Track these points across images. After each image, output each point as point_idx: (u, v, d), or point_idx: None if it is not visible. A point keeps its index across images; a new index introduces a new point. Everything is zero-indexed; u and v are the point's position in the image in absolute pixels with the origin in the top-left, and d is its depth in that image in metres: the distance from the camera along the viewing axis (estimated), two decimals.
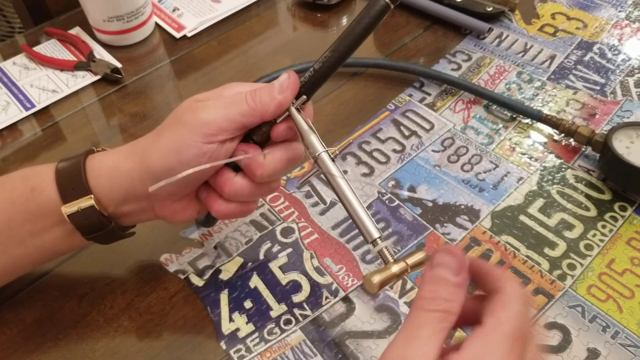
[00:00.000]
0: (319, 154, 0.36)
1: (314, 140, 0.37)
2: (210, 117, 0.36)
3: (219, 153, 0.37)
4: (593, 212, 0.49)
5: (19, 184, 0.39)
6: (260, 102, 0.37)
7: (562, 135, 0.54)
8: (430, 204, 0.50)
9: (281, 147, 0.38)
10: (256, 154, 0.38)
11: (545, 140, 0.55)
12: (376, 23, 0.35)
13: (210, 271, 0.46)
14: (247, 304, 0.44)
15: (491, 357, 0.26)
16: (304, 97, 0.37)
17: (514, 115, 0.57)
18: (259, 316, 0.43)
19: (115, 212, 0.40)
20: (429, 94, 0.60)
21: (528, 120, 0.56)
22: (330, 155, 0.36)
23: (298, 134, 0.37)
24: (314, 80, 0.37)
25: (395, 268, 0.32)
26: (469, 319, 0.29)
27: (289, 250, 0.47)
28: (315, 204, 0.50)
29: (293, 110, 0.37)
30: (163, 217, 0.41)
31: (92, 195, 0.38)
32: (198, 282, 0.45)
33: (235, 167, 0.39)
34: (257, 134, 0.39)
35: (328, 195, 0.50)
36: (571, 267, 0.45)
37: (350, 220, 0.48)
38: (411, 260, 0.32)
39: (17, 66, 0.64)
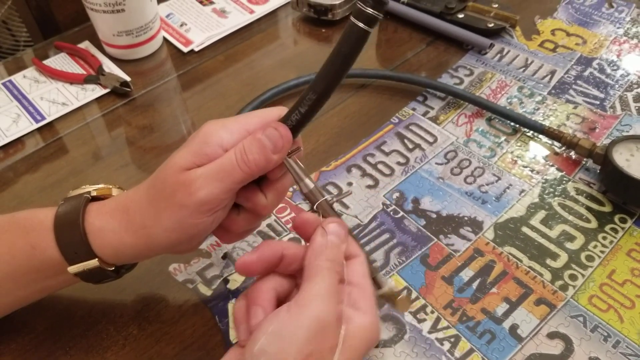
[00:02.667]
0: (318, 202, 0.37)
1: (311, 186, 0.37)
2: (208, 195, 0.34)
3: (222, 214, 0.37)
4: (594, 224, 0.49)
5: (18, 239, 0.38)
6: (256, 166, 0.35)
7: (564, 147, 0.55)
8: (434, 216, 0.50)
9: (279, 181, 0.38)
10: (258, 199, 0.38)
11: (547, 153, 0.56)
12: (356, 53, 0.33)
13: (218, 281, 0.46)
14: None
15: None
16: (300, 148, 0.37)
17: (516, 129, 0.58)
18: None
19: (121, 265, 0.40)
20: (432, 108, 0.61)
21: (529, 134, 0.57)
22: (328, 202, 0.37)
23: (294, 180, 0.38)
24: (300, 122, 0.36)
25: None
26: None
27: None
28: None
29: (289, 160, 0.37)
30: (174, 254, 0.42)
31: (97, 259, 0.37)
32: (206, 291, 0.46)
33: (236, 204, 0.39)
34: None
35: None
36: (573, 277, 0.46)
37: (355, 232, 0.49)
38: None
39: (27, 79, 0.65)
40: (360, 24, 0.32)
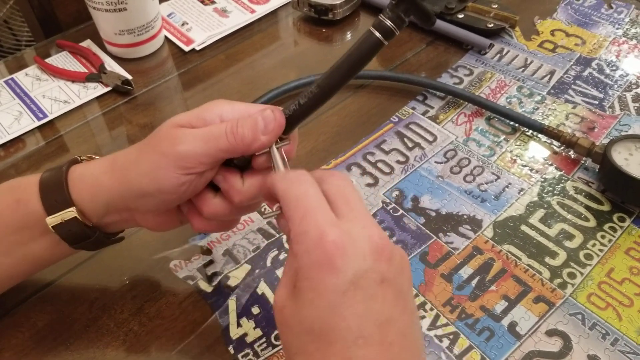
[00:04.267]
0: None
1: None
2: (189, 151, 0.35)
3: (198, 182, 0.37)
4: (592, 222, 0.50)
5: (5, 197, 0.39)
6: (242, 140, 0.35)
7: (563, 147, 0.56)
8: (433, 214, 0.51)
9: (261, 173, 0.38)
10: (235, 181, 0.38)
11: (546, 152, 0.56)
12: (367, 59, 0.34)
13: (219, 277, 0.47)
14: (255, 310, 0.44)
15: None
16: (288, 141, 0.37)
17: (515, 128, 0.58)
18: (267, 321, 0.44)
19: (99, 223, 0.40)
20: (432, 107, 0.61)
21: (529, 133, 0.58)
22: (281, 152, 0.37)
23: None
24: (298, 114, 0.36)
25: None
26: None
27: None
28: None
29: (274, 148, 0.37)
30: (145, 227, 0.41)
31: (75, 207, 0.38)
32: (207, 288, 0.46)
33: (216, 187, 0.39)
34: (238, 158, 0.38)
35: None
36: (571, 276, 0.46)
37: None
38: None
39: (29, 77, 0.65)
40: (377, 34, 0.33)
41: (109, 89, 0.64)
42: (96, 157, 0.43)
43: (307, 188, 0.32)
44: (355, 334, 0.29)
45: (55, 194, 0.38)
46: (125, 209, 0.39)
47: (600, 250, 0.48)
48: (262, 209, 0.51)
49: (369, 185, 0.53)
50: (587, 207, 0.51)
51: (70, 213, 0.38)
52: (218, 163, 0.37)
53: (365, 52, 0.34)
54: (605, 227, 0.49)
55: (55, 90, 0.64)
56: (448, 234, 0.49)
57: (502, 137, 0.58)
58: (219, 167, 0.38)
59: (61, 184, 0.38)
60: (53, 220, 0.38)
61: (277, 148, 0.37)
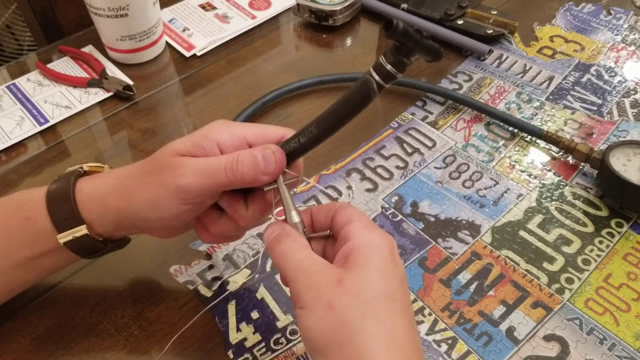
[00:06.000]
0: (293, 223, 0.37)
1: (296, 220, 0.36)
2: (188, 185, 0.36)
3: (199, 209, 0.38)
4: (590, 228, 0.50)
5: (13, 213, 0.40)
6: (242, 178, 0.36)
7: (561, 152, 0.56)
8: (432, 219, 0.51)
9: (265, 198, 0.38)
10: (239, 207, 0.38)
11: (544, 158, 0.56)
12: (367, 102, 0.34)
13: (219, 282, 0.47)
14: (254, 315, 0.45)
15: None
16: (296, 177, 0.37)
17: (514, 134, 0.59)
18: (266, 326, 0.44)
19: (109, 236, 0.41)
20: (431, 113, 0.61)
21: (527, 139, 0.58)
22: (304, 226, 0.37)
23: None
24: (297, 152, 0.37)
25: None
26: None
27: None
28: None
29: (282, 184, 0.37)
30: (155, 236, 0.42)
31: (85, 225, 0.39)
32: (206, 292, 0.46)
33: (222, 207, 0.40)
34: None
35: None
36: (569, 281, 0.46)
37: None
38: None
39: (31, 82, 0.66)
40: (377, 77, 0.33)
41: (110, 94, 0.64)
42: (98, 165, 0.43)
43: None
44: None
45: (63, 212, 0.39)
46: (133, 227, 0.40)
47: (598, 256, 0.48)
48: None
49: (368, 190, 0.54)
50: (585, 213, 0.51)
51: (80, 230, 0.39)
52: (218, 194, 0.38)
53: (364, 96, 0.34)
54: (603, 232, 0.50)
55: (56, 96, 0.64)
56: (447, 239, 0.49)
57: (501, 142, 0.58)
58: (224, 193, 0.39)
59: (69, 201, 0.39)
60: (64, 237, 0.39)
61: (284, 183, 0.37)
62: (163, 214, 0.37)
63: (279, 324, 0.44)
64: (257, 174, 0.36)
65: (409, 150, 0.58)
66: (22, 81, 0.66)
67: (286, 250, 0.34)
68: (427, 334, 0.43)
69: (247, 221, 0.39)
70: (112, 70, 0.67)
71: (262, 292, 0.46)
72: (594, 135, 0.58)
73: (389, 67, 0.32)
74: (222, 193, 0.39)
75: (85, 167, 0.42)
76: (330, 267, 0.33)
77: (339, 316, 0.31)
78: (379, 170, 0.56)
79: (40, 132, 0.60)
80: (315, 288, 0.32)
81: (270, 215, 0.39)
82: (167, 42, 0.71)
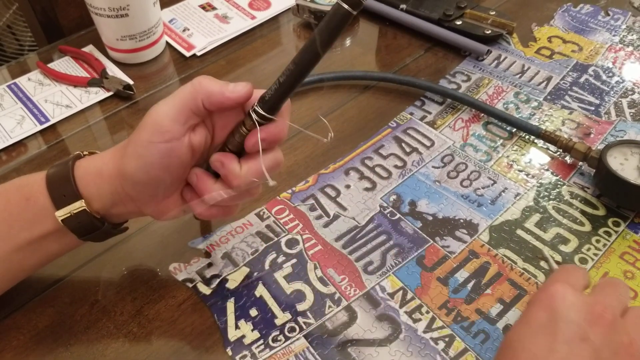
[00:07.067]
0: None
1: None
2: (159, 113, 0.37)
3: (182, 149, 0.38)
4: (587, 227, 0.50)
5: (14, 195, 0.41)
6: (206, 88, 0.37)
7: (559, 151, 0.56)
8: (430, 218, 0.51)
9: (257, 157, 0.39)
10: (232, 165, 0.39)
11: (542, 157, 0.56)
12: (338, 32, 0.34)
13: (217, 280, 0.47)
14: (253, 312, 0.45)
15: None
16: (274, 120, 0.38)
17: (512, 133, 0.59)
18: (264, 324, 0.44)
19: (107, 214, 0.41)
20: (430, 112, 0.62)
21: (525, 138, 0.58)
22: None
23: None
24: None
25: None
26: None
27: (294, 260, 0.48)
28: (319, 217, 0.52)
29: (258, 127, 0.38)
30: (151, 215, 0.43)
31: (83, 200, 0.39)
32: (205, 290, 0.47)
33: (216, 173, 0.41)
34: (232, 142, 0.40)
35: (331, 208, 0.52)
36: None
37: (353, 233, 0.50)
38: None
39: (31, 82, 0.66)
40: (345, 6, 0.34)
41: (110, 93, 0.65)
42: (98, 152, 0.44)
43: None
44: None
45: (62, 189, 0.40)
46: (129, 199, 0.40)
47: (595, 255, 0.48)
48: (261, 212, 0.52)
49: (366, 189, 0.54)
50: (583, 212, 0.51)
51: (78, 205, 0.39)
52: (191, 120, 0.38)
53: (335, 25, 0.34)
54: (600, 231, 0.50)
55: (57, 95, 0.64)
56: (444, 238, 0.50)
57: (499, 142, 0.58)
58: (216, 154, 0.40)
59: (68, 178, 0.40)
60: (62, 213, 0.39)
61: (257, 122, 0.38)
62: (146, 159, 0.38)
63: (277, 322, 0.44)
64: (222, 88, 0.37)
65: (408, 149, 0.58)
66: (22, 80, 0.66)
67: None
68: (424, 332, 0.43)
69: (241, 180, 0.39)
70: (113, 70, 0.67)
71: (261, 290, 0.46)
72: (592, 135, 0.58)
73: None
74: (215, 154, 0.40)
75: (85, 152, 0.43)
76: None
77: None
78: (378, 169, 0.56)
79: (41, 131, 0.61)
80: None
81: (266, 180, 0.40)
82: (167, 42, 0.72)
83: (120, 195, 0.40)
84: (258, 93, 0.39)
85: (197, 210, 0.42)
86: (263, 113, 0.38)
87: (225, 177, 0.39)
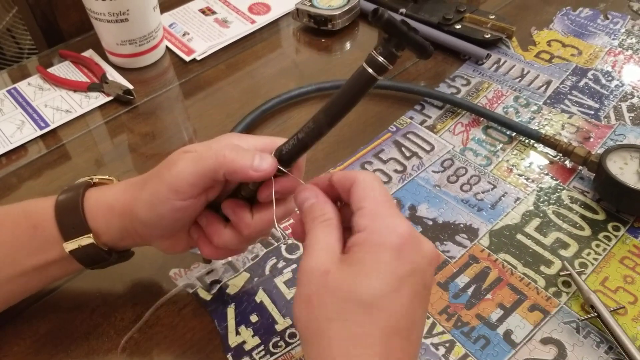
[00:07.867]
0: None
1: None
2: (179, 172, 0.36)
3: (196, 207, 0.38)
4: (587, 231, 0.50)
5: (22, 220, 0.40)
6: (231, 164, 0.36)
7: (559, 156, 0.56)
8: (430, 223, 0.51)
9: (269, 207, 0.38)
10: (244, 214, 0.39)
11: (542, 162, 0.57)
12: (361, 95, 0.34)
13: (218, 286, 0.47)
14: (253, 318, 0.45)
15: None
16: (288, 175, 0.38)
17: (512, 138, 0.59)
18: (265, 329, 0.44)
19: (114, 247, 0.41)
20: (430, 117, 0.62)
21: (525, 143, 0.58)
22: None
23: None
24: (297, 149, 0.37)
25: None
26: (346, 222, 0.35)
27: (294, 266, 0.48)
28: None
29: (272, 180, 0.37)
30: (158, 249, 0.42)
31: (91, 233, 0.39)
32: (206, 296, 0.47)
33: (226, 217, 0.40)
34: (245, 190, 0.39)
35: None
36: (566, 284, 0.46)
37: None
38: None
39: (31, 87, 0.66)
40: (370, 70, 0.33)
41: (110, 98, 0.65)
42: (107, 178, 0.43)
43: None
44: (396, 322, 0.31)
45: (71, 220, 0.39)
46: (138, 235, 0.40)
47: (595, 259, 0.48)
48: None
49: None
50: (582, 216, 0.51)
51: (87, 239, 0.39)
52: (208, 186, 0.37)
53: (358, 89, 0.34)
54: (600, 236, 0.50)
55: (57, 100, 0.65)
56: (445, 242, 0.50)
57: (499, 146, 0.58)
58: (229, 200, 0.39)
59: (77, 209, 0.39)
60: (70, 245, 0.39)
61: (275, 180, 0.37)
62: (159, 210, 0.37)
63: (278, 327, 0.44)
64: (245, 165, 0.36)
65: (407, 154, 0.58)
66: (22, 85, 0.67)
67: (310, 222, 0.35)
68: (424, 338, 0.43)
69: (251, 229, 0.39)
70: (113, 75, 0.68)
71: (261, 296, 0.46)
72: (591, 139, 0.58)
73: (380, 59, 0.33)
74: (227, 200, 0.39)
75: (95, 179, 0.43)
76: (329, 251, 0.33)
77: (312, 313, 0.32)
78: (377, 174, 0.56)
79: (41, 136, 0.61)
80: (306, 273, 0.33)
81: (275, 228, 0.40)
82: (167, 47, 0.72)
83: (129, 231, 0.40)
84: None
85: (206, 251, 0.41)
86: (279, 167, 0.37)
87: (237, 224, 0.39)
